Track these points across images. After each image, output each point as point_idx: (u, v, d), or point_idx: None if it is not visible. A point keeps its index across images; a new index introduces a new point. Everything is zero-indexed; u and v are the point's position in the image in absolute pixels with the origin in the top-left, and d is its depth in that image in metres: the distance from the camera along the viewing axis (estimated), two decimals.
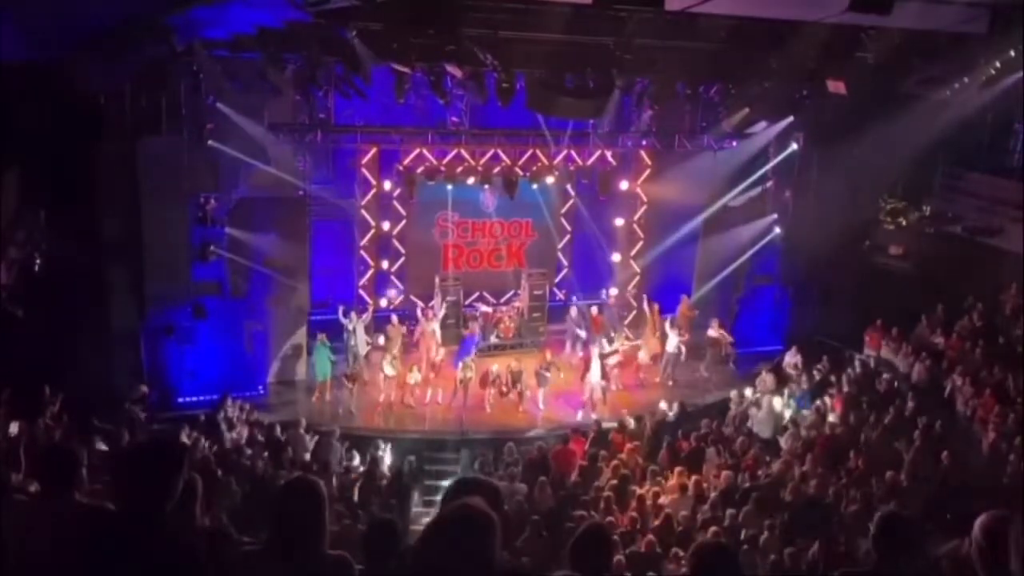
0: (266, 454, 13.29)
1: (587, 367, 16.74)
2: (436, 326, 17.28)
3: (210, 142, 14.97)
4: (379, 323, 17.85)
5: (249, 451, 13.25)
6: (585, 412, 16.28)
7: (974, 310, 17.25)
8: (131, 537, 2.88)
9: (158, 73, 13.65)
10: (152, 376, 15.33)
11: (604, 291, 20.21)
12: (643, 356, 17.86)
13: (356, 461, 14.19)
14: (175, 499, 3.13)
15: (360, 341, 16.70)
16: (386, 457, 14.44)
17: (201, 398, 15.35)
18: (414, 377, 16.18)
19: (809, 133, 18.47)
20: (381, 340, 17.04)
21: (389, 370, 16.00)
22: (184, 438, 12.42)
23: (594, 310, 18.79)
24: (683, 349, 17.97)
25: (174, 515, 3.23)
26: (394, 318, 17.40)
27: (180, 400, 15.54)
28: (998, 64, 15.31)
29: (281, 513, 3.14)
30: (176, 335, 15.47)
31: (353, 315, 16.82)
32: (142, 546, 2.87)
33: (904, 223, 19.47)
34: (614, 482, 12.36)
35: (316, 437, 14.22)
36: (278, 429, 14.48)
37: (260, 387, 16.52)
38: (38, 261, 13.87)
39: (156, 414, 14.49)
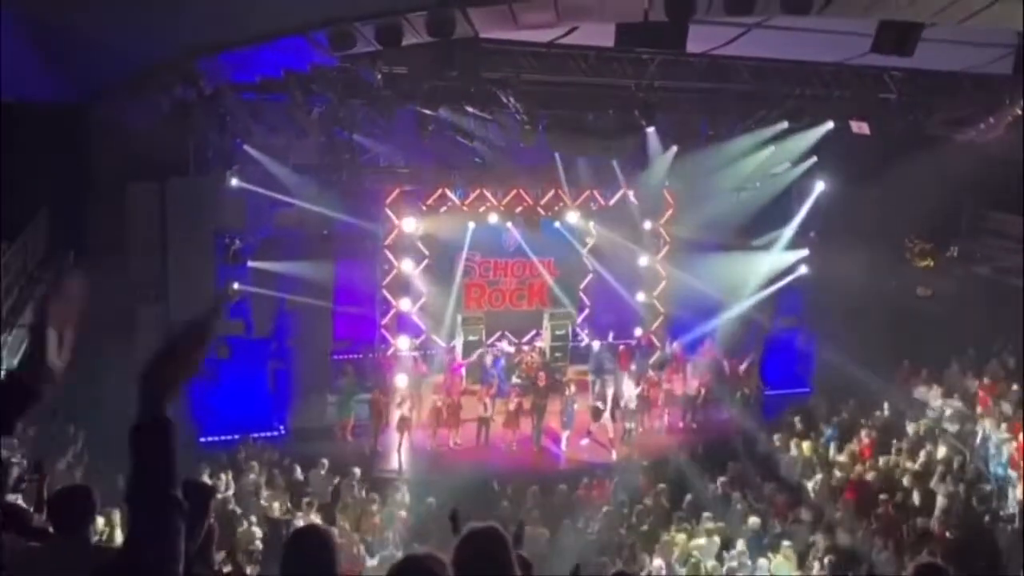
0: (286, 495, 13.21)
1: (610, 405, 16.58)
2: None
3: (236, 183, 15.16)
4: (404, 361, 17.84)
5: (267, 492, 13.17)
6: (609, 453, 16.08)
7: (1005, 352, 16.92)
8: None
9: (186, 115, 13.87)
10: (175, 415, 15.32)
11: (631, 331, 20.07)
12: (676, 394, 17.63)
13: (375, 505, 14.06)
14: (196, 543, 3.08)
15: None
16: (405, 499, 14.29)
17: (223, 437, 15.34)
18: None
19: (834, 173, 18.39)
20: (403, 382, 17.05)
21: (405, 411, 15.97)
22: (205, 478, 12.37)
23: (621, 348, 18.67)
24: (703, 392, 17.77)
25: (192, 559, 3.17)
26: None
27: (202, 439, 15.54)
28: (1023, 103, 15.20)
29: (291, 561, 3.06)
30: (199, 374, 15.48)
31: None
32: None
33: (932, 264, 19.24)
34: (639, 527, 12.15)
35: (337, 479, 14.13)
36: (298, 471, 14.40)
37: (281, 427, 16.49)
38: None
39: (178, 453, 14.45)
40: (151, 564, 1.75)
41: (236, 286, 15.59)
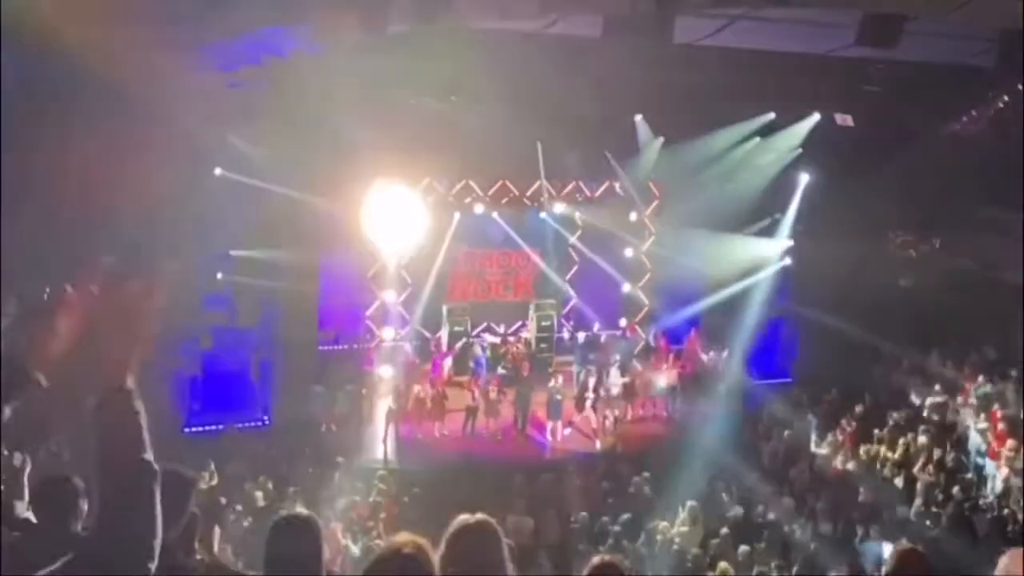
0: (270, 485, 13.19)
1: (593, 397, 16.65)
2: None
3: (220, 172, 15.05)
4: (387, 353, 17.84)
5: (251, 483, 13.13)
6: (593, 443, 16.15)
7: (986, 343, 17.10)
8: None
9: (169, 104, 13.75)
10: (159, 405, 15.28)
11: (616, 322, 20.13)
12: (660, 384, 17.71)
13: (360, 496, 14.06)
14: (178, 531, 3.08)
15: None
16: (390, 489, 14.30)
17: (207, 427, 15.28)
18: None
19: (818, 165, 18.48)
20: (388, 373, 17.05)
21: (391, 402, 15.98)
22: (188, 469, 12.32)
23: (605, 339, 18.73)
24: (685, 381, 17.88)
25: (174, 548, 3.17)
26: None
27: (186, 430, 15.49)
28: (1005, 97, 15.33)
29: (276, 548, 3.05)
30: (183, 364, 15.46)
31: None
32: None
33: (914, 256, 19.39)
34: (623, 516, 12.21)
35: (322, 469, 14.11)
36: (283, 461, 14.37)
37: (266, 417, 16.45)
38: (47, 291, 13.90)
39: (162, 444, 14.42)
40: (127, 531, 1.73)
41: (219, 276, 15.51)
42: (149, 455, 1.82)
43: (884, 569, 4.06)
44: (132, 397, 1.84)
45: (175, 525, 3.22)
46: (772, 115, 16.53)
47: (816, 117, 16.60)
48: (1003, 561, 3.11)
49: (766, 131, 17.09)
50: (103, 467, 1.79)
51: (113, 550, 1.71)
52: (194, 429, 15.46)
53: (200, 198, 15.13)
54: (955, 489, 12.96)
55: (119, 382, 1.85)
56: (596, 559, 4.62)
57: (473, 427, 16.10)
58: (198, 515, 4.14)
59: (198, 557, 3.79)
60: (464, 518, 2.80)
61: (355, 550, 11.49)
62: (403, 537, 2.47)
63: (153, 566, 1.73)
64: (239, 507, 12.06)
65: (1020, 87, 14.43)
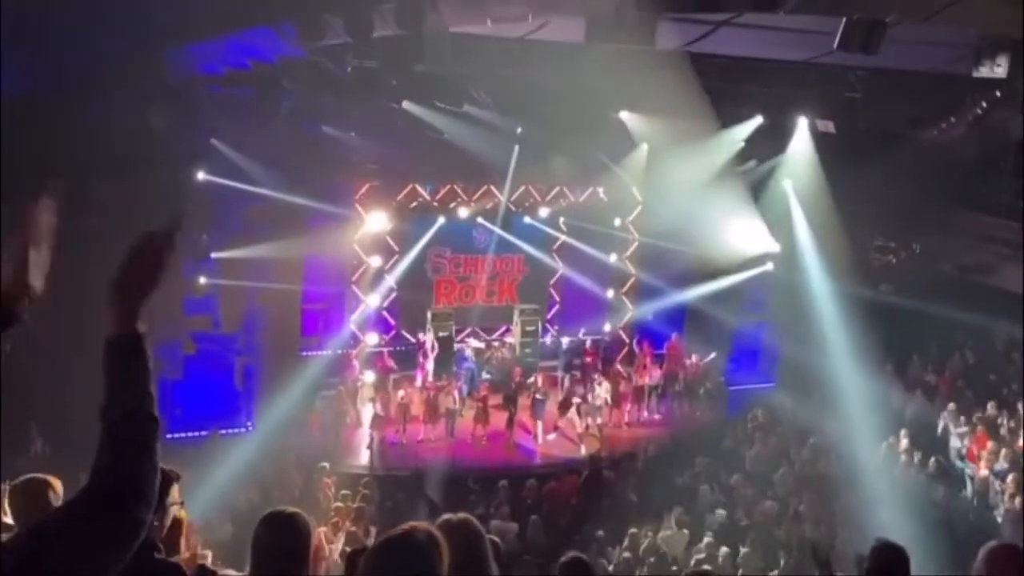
0: (254, 492, 13.12)
1: (576, 402, 16.69)
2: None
3: (203, 177, 14.99)
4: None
5: (236, 487, 13.06)
6: (578, 448, 16.17)
7: (966, 348, 17.25)
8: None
9: (152, 108, 13.69)
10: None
11: (600, 327, 20.18)
12: (644, 389, 17.78)
13: (343, 500, 13.99)
14: (163, 529, 3.07)
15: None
16: (374, 494, 14.25)
17: (191, 433, 15.18)
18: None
19: (799, 171, 18.60)
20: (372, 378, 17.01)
21: (378, 408, 15.93)
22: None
23: (589, 344, 18.77)
24: (667, 385, 17.97)
25: (157, 549, 3.15)
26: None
27: (169, 436, 15.35)
28: (984, 104, 15.49)
29: (262, 546, 3.04)
30: (166, 370, 15.35)
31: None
32: None
33: (894, 261, 19.55)
34: (607, 520, 12.24)
35: (305, 474, 14.05)
36: (266, 466, 14.29)
37: (249, 423, 16.36)
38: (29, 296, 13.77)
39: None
40: (127, 478, 1.69)
41: (203, 280, 15.43)
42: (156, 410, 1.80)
43: (864, 566, 4.09)
44: (144, 343, 1.83)
45: (160, 523, 3.21)
46: (754, 122, 16.62)
47: (797, 123, 16.72)
48: (980, 555, 3.15)
49: (748, 137, 17.18)
50: (107, 409, 1.76)
51: (111, 495, 1.68)
52: (177, 435, 15.35)
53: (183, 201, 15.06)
54: (939, 492, 13.07)
55: (131, 323, 1.82)
56: (565, 557, 4.63)
57: (453, 430, 16.11)
58: (182, 518, 4.12)
59: (184, 555, 3.77)
60: (447, 516, 2.80)
61: (337, 556, 11.43)
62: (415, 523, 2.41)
63: (143, 532, 1.70)
64: (223, 513, 11.99)
65: (997, 93, 14.59)
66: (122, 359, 1.79)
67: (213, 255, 15.66)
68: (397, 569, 2.13)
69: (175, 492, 3.48)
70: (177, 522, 3.53)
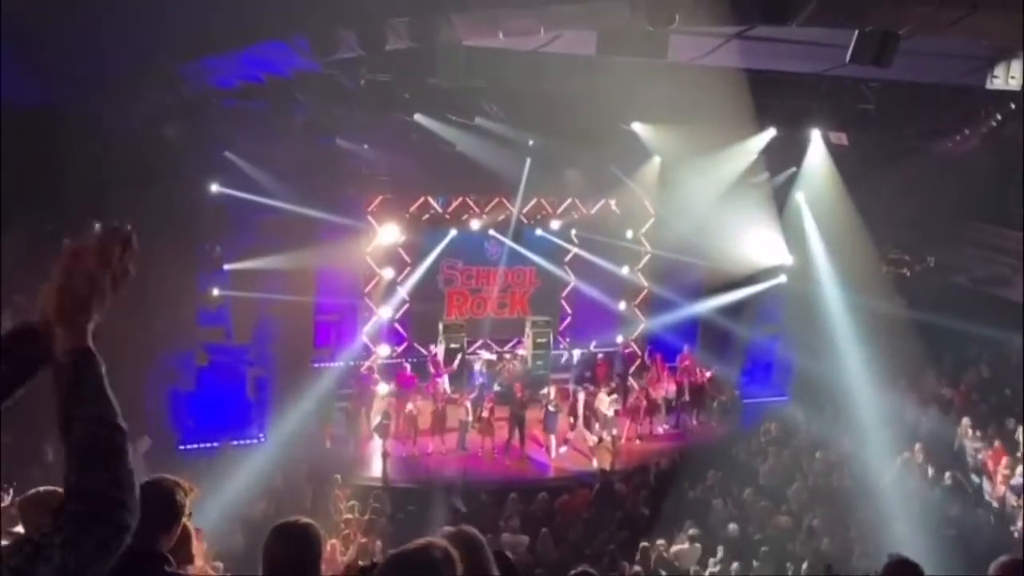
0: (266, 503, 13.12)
1: (587, 415, 16.64)
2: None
3: (217, 189, 15.09)
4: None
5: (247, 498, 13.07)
6: (589, 461, 16.11)
7: (980, 361, 17.11)
8: None
9: (167, 121, 13.81)
10: (155, 423, 15.21)
11: (612, 339, 20.13)
12: (656, 402, 17.70)
13: (355, 513, 13.99)
14: (171, 540, 3.07)
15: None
16: (385, 507, 14.24)
17: (203, 444, 15.21)
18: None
19: (812, 184, 18.54)
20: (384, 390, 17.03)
21: (389, 420, 15.94)
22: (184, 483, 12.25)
23: (601, 356, 18.72)
24: (680, 398, 17.88)
25: (168, 562, 3.15)
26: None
27: (182, 447, 15.41)
28: (998, 116, 15.43)
29: (273, 556, 3.04)
30: (179, 381, 15.41)
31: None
32: None
33: (908, 273, 19.42)
34: (619, 534, 12.17)
35: (316, 486, 14.05)
36: (279, 477, 14.30)
37: (261, 434, 16.38)
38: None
39: (157, 461, 14.35)
40: (97, 488, 1.68)
41: (216, 292, 15.50)
42: (119, 420, 1.77)
43: None
44: (94, 358, 1.80)
45: (167, 534, 3.21)
46: (767, 134, 16.59)
47: (810, 136, 16.69)
48: (992, 569, 3.12)
49: (761, 149, 17.15)
50: (64, 424, 1.72)
51: (90, 512, 1.66)
52: (189, 446, 15.39)
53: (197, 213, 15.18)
54: (955, 507, 12.96)
55: (79, 341, 1.78)
56: (576, 570, 4.60)
57: (464, 442, 16.08)
58: (191, 527, 4.12)
59: (197, 564, 3.77)
60: (448, 528, 2.79)
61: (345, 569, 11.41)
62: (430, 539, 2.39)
63: (127, 537, 1.68)
64: (235, 524, 11.99)
65: (1012, 106, 14.53)
66: (77, 377, 1.75)
67: (226, 267, 15.74)
68: None
69: (187, 504, 3.48)
70: (185, 532, 3.54)
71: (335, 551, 11.09)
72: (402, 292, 18.89)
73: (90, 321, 1.82)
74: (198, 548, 4.25)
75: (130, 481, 1.70)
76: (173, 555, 3.24)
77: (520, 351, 19.47)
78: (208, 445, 15.05)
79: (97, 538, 1.63)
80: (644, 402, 17.66)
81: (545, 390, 16.90)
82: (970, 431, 15.18)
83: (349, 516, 13.60)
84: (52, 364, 1.80)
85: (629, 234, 19.92)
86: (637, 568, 11.11)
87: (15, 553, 1.59)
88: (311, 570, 3.02)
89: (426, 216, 18.41)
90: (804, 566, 11.36)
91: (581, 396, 17.52)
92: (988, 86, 10.88)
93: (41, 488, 4.00)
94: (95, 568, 1.62)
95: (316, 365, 17.48)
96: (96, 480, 1.67)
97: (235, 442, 14.97)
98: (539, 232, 19.17)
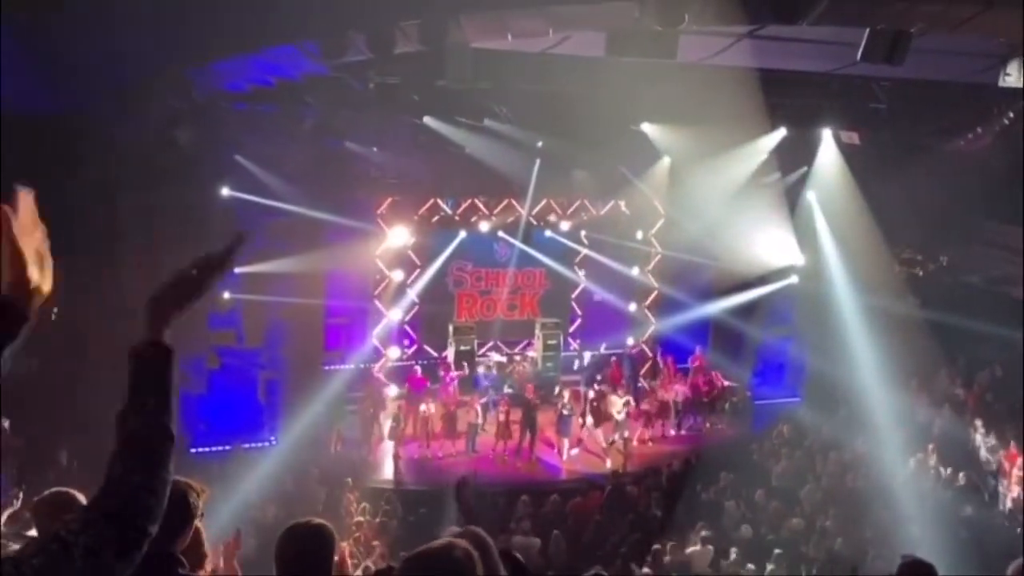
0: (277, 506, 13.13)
1: (602, 415, 16.58)
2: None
3: (228, 193, 15.13)
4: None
5: (258, 501, 13.10)
6: (602, 463, 16.06)
7: (994, 361, 16.98)
8: None
9: (177, 125, 13.86)
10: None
11: (622, 340, 20.09)
12: (668, 404, 17.65)
13: (366, 515, 13.99)
14: (184, 542, 3.07)
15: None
16: (396, 509, 14.24)
17: (214, 448, 15.26)
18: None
19: (824, 183, 18.45)
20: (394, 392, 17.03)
21: (400, 423, 15.94)
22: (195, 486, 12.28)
23: (612, 358, 18.67)
24: (691, 400, 17.81)
25: (181, 564, 3.15)
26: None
27: (193, 450, 15.45)
28: (1011, 114, 15.30)
29: (286, 557, 3.04)
30: (190, 384, 15.45)
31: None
32: None
33: (921, 273, 19.31)
34: (631, 536, 12.13)
35: (328, 489, 14.06)
36: (289, 480, 14.33)
37: (273, 437, 16.41)
38: (55, 311, 13.93)
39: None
40: (130, 489, 1.69)
41: (227, 295, 15.53)
42: (173, 426, 1.80)
43: None
44: (169, 357, 1.83)
45: (180, 536, 3.21)
46: (778, 134, 16.52)
47: (821, 135, 16.61)
48: (1010, 571, 3.08)
49: (772, 149, 17.08)
50: (123, 417, 1.76)
51: (119, 509, 1.67)
52: (201, 449, 15.43)
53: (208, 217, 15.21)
54: (969, 508, 12.86)
55: (159, 336, 1.84)
56: (588, 573, 4.59)
57: (475, 444, 16.06)
58: (202, 528, 4.12)
59: (208, 568, 3.76)
60: (455, 528, 2.78)
61: (358, 572, 11.41)
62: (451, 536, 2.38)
63: (147, 544, 1.69)
64: (248, 527, 12.00)
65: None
66: (145, 369, 1.79)
67: (237, 270, 15.72)
68: None
69: (200, 505, 3.48)
70: (197, 535, 3.54)
71: (346, 554, 11.07)
72: (412, 294, 18.92)
73: (173, 320, 1.88)
74: (214, 552, 4.26)
75: (164, 490, 1.72)
76: (185, 557, 3.24)
77: (530, 353, 19.46)
78: (219, 448, 15.10)
79: (118, 543, 1.64)
80: (656, 404, 17.62)
81: (558, 392, 16.85)
82: (984, 431, 15.07)
83: (360, 519, 13.60)
84: (129, 353, 1.83)
85: (639, 235, 19.89)
86: (648, 570, 11.06)
87: (39, 552, 1.59)
88: (323, 571, 3.02)
89: (435, 218, 18.42)
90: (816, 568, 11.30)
91: (591, 395, 17.49)
92: (1001, 84, 10.78)
93: (55, 489, 4.00)
94: (109, 573, 1.63)
95: (327, 368, 17.51)
96: (131, 480, 1.69)
97: (246, 445, 15.01)
98: (548, 233, 19.16)
